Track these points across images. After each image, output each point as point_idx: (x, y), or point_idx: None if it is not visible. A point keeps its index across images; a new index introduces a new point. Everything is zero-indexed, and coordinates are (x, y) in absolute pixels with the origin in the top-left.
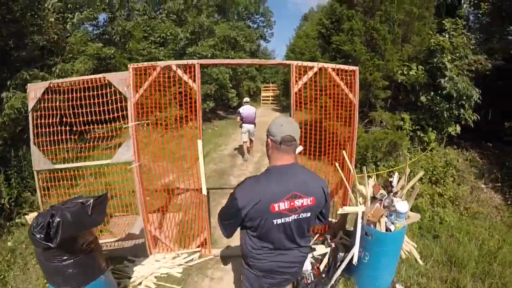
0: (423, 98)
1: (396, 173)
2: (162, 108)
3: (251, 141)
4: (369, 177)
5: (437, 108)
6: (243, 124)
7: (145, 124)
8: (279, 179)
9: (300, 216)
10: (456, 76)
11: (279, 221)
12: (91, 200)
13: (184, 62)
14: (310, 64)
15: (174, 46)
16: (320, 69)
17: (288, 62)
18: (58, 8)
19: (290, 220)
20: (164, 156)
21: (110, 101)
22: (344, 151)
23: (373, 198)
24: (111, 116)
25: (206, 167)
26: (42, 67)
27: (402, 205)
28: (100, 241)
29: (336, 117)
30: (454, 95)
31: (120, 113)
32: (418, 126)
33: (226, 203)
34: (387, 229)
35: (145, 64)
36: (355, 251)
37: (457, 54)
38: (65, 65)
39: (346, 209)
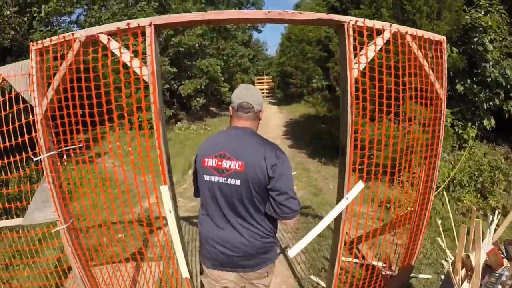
0: (459, 87)
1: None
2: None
3: None
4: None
5: (476, 99)
6: None
7: (72, 151)
8: (219, 136)
9: (229, 182)
10: (501, 60)
11: (207, 177)
12: None
13: (123, 24)
14: (377, 24)
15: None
16: (393, 34)
17: (337, 17)
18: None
19: (218, 181)
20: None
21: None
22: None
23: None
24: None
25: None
26: None
27: None
28: None
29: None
30: (503, 83)
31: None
32: (456, 120)
33: None
34: None
35: (55, 38)
36: None
37: (496, 34)
38: None
39: None
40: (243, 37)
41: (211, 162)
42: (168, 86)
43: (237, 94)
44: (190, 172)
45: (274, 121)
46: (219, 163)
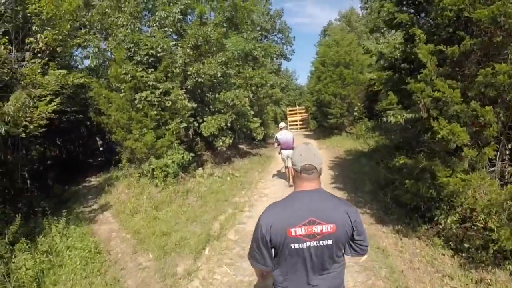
0: None
1: None
2: None
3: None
4: None
5: None
6: (282, 151)
7: None
8: (296, 204)
9: (321, 243)
10: None
11: (296, 245)
12: None
13: None
14: None
15: (169, 66)
16: None
17: None
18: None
19: (309, 246)
20: None
21: None
22: None
23: None
24: None
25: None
26: None
27: None
28: None
29: None
30: None
31: None
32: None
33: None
34: None
35: None
36: None
37: None
38: None
39: None
40: (272, 66)
41: (300, 231)
42: (185, 124)
43: (299, 157)
44: (207, 251)
45: None
46: (309, 230)
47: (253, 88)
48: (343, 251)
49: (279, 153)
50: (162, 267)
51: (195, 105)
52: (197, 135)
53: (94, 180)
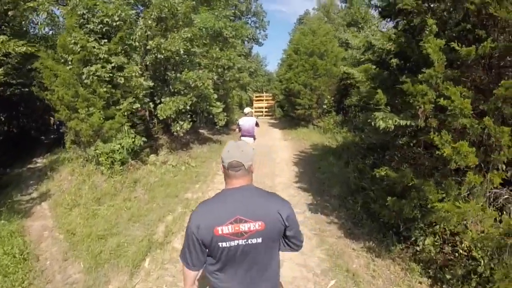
0: None
1: None
2: None
3: None
4: None
5: None
6: (242, 137)
7: None
8: (224, 202)
9: (249, 242)
10: None
11: (224, 244)
12: None
13: None
14: None
15: (126, 37)
16: None
17: None
18: None
19: (238, 244)
20: None
21: None
22: None
23: None
24: None
25: None
26: None
27: None
28: None
29: None
30: None
31: None
32: None
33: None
34: None
35: None
36: None
37: None
38: None
39: None
40: (242, 49)
41: (226, 229)
42: (138, 105)
43: (226, 154)
44: (147, 264)
45: (280, 154)
46: (236, 228)
47: (219, 70)
48: (276, 250)
49: (239, 140)
50: (91, 284)
51: (151, 84)
52: (154, 117)
53: (40, 162)
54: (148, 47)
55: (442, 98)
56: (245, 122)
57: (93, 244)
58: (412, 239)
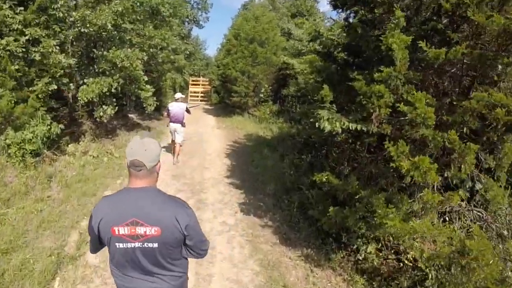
0: None
1: None
2: None
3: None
4: None
5: None
6: (170, 123)
7: None
8: (123, 201)
9: (145, 245)
10: None
11: (120, 245)
12: None
13: None
14: None
15: (48, 6)
16: None
17: None
18: None
19: (134, 246)
20: None
21: None
22: None
23: None
24: None
25: None
26: None
27: None
28: None
29: None
30: None
31: None
32: None
33: None
34: None
35: None
36: None
37: None
38: None
39: None
40: (181, 30)
41: (122, 230)
42: (55, 86)
43: (129, 151)
44: (57, 285)
45: (213, 144)
46: (133, 231)
47: (151, 50)
48: (177, 255)
49: (167, 126)
50: None
51: (72, 62)
52: (77, 100)
53: None
54: (71, 19)
55: (402, 103)
56: (175, 107)
57: None
58: (354, 246)
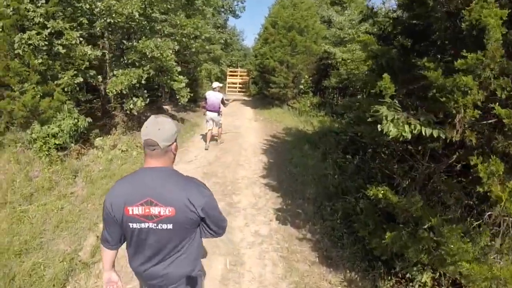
0: None
1: None
2: None
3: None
4: None
5: None
6: (207, 112)
7: None
8: (137, 181)
9: (160, 227)
10: None
11: (134, 225)
12: None
13: None
14: None
15: None
16: None
17: None
18: None
19: (148, 227)
20: None
21: None
22: None
23: None
24: None
25: None
26: None
27: None
28: None
29: None
30: None
31: None
32: None
33: None
34: None
35: None
36: None
37: None
38: None
39: None
40: (217, 20)
41: (136, 210)
42: (81, 79)
43: (144, 130)
44: None
45: (249, 139)
46: (147, 211)
47: (184, 39)
48: (193, 236)
49: (204, 114)
50: None
51: (99, 53)
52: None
53: None
54: (97, 9)
55: (496, 103)
56: (211, 96)
57: (10, 262)
58: (407, 275)
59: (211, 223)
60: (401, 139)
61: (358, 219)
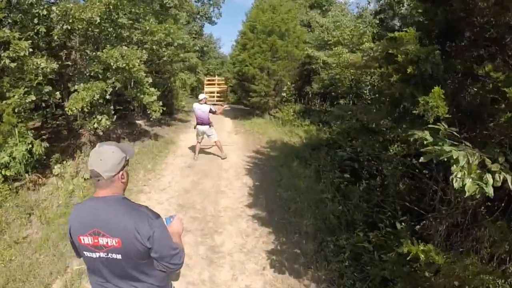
0: None
1: None
2: None
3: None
4: None
5: None
6: (197, 126)
7: None
8: (86, 210)
9: (109, 256)
10: None
11: (87, 254)
12: None
13: None
14: None
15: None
16: None
17: None
18: None
19: (99, 256)
20: None
21: None
22: None
23: None
24: None
25: None
26: None
27: None
28: None
29: None
30: None
31: None
32: None
33: None
34: None
35: None
36: None
37: None
38: None
39: None
40: (192, 27)
41: (87, 240)
42: (33, 97)
43: (89, 160)
44: None
45: (230, 157)
46: (95, 241)
47: (154, 47)
48: (151, 267)
49: (194, 128)
50: None
51: (55, 66)
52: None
53: None
54: (51, 14)
55: None
56: (197, 109)
57: None
58: None
59: (160, 255)
60: (478, 196)
61: (372, 262)
